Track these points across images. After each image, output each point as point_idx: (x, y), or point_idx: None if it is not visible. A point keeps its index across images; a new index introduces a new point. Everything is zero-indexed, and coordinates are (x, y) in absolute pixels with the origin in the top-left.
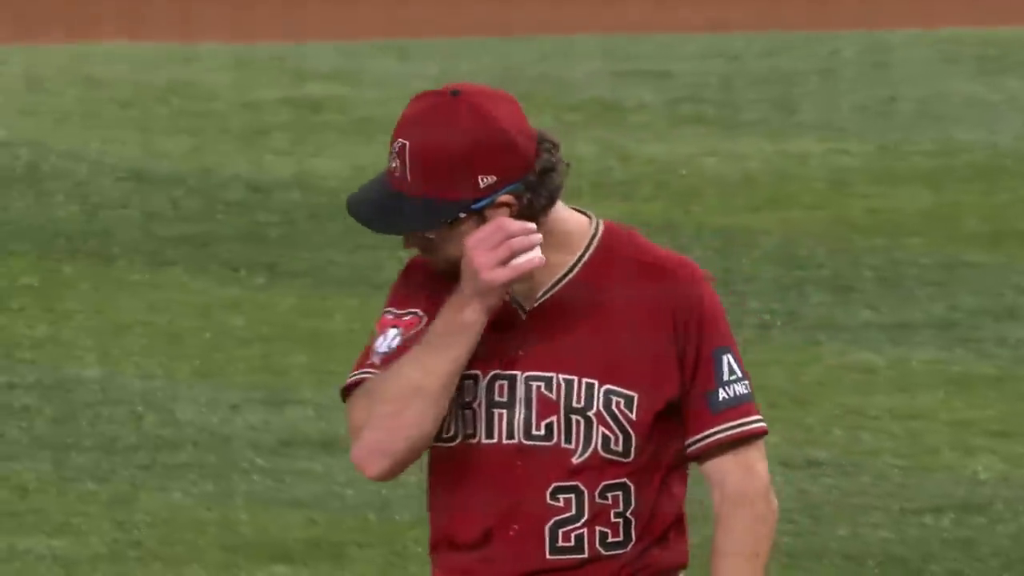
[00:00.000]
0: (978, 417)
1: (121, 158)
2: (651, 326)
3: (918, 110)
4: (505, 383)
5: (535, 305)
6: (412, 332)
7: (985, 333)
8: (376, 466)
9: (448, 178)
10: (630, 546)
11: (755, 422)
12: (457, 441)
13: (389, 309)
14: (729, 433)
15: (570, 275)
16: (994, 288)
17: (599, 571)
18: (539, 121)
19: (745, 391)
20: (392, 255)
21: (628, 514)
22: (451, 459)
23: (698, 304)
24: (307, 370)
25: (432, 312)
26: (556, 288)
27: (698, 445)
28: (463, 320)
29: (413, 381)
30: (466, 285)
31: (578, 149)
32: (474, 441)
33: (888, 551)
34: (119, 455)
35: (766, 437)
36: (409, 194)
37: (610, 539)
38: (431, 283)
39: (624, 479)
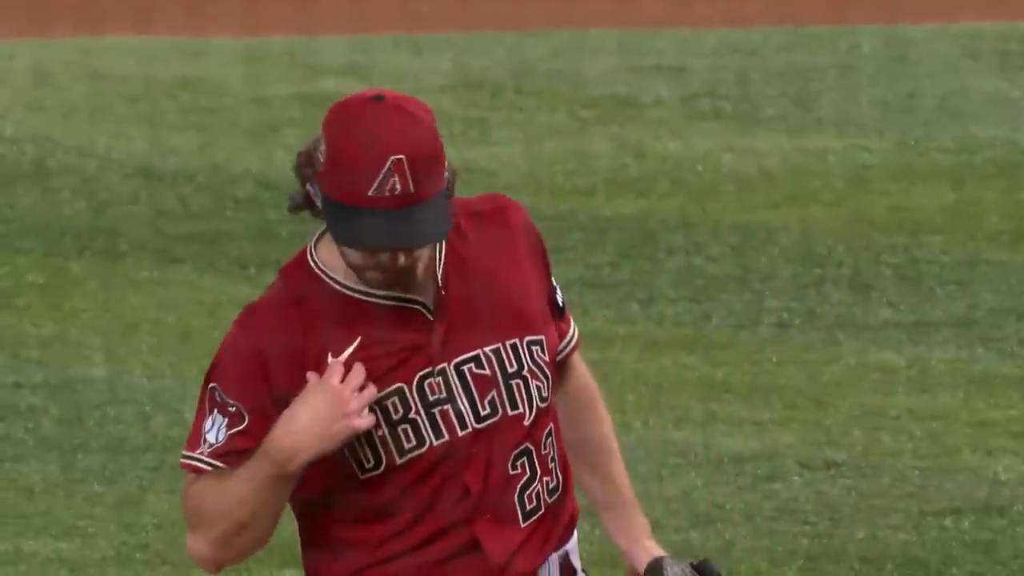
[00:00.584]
0: (999, 418)
1: (129, 154)
2: (529, 263)
3: (938, 106)
4: (436, 380)
5: (439, 299)
6: (237, 430)
7: (1007, 332)
8: (210, 571)
9: (438, 172)
10: (561, 487)
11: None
12: (403, 460)
13: (216, 387)
14: (578, 335)
15: (444, 257)
16: (1016, 287)
17: (555, 535)
18: (553, 118)
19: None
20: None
21: (555, 455)
22: (403, 475)
23: (536, 230)
24: None
25: (258, 407)
26: (440, 275)
27: (564, 352)
28: (290, 472)
29: (239, 519)
30: (316, 425)
31: (593, 146)
32: (424, 450)
33: (907, 553)
34: (127, 456)
35: (784, 439)
36: (428, 199)
37: (551, 485)
38: (261, 371)
39: (550, 423)
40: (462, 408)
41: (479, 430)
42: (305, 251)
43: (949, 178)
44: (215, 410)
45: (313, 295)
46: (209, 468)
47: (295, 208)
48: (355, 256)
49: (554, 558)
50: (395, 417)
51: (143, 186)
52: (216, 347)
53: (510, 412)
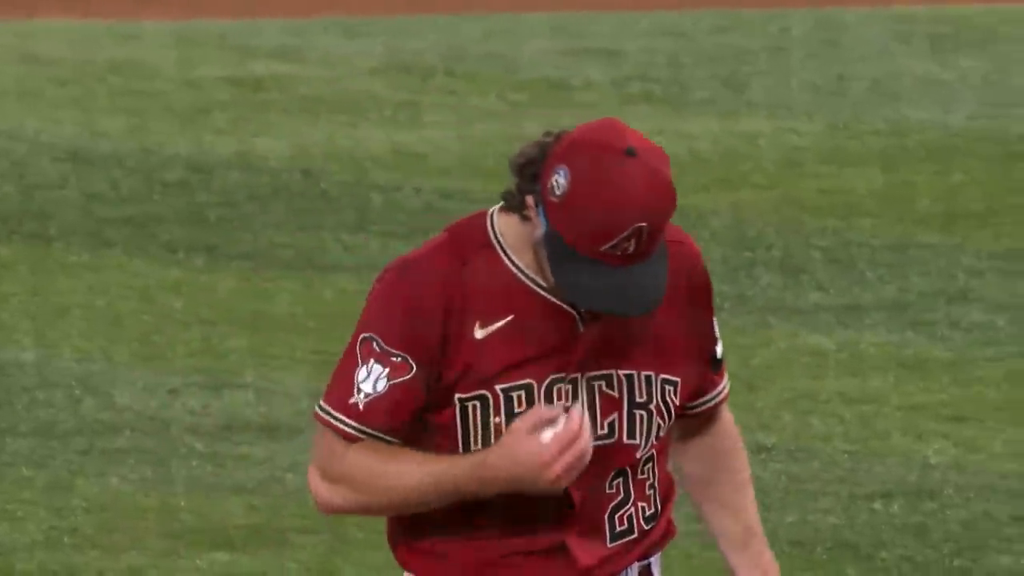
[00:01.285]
0: (930, 401)
1: (60, 137)
2: (687, 305)
3: (870, 89)
4: (566, 387)
5: (596, 313)
6: (400, 380)
7: (937, 316)
8: (323, 510)
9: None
10: (659, 516)
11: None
12: None
13: (374, 336)
14: (728, 388)
15: None
16: (947, 270)
17: (642, 547)
18: (485, 101)
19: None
20: (335, 237)
21: (656, 483)
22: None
23: (707, 276)
24: (248, 353)
25: (426, 358)
26: None
27: (710, 404)
28: (481, 491)
29: (401, 500)
30: (519, 470)
31: (525, 129)
32: None
33: (838, 537)
34: (56, 440)
35: None
36: (653, 263)
37: (647, 512)
38: (440, 322)
39: (653, 451)
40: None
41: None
42: (484, 216)
43: (880, 161)
44: (372, 359)
45: (481, 261)
46: (363, 437)
47: (510, 210)
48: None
49: (634, 565)
50: (517, 410)
51: (73, 170)
52: (146, 331)
53: (626, 440)
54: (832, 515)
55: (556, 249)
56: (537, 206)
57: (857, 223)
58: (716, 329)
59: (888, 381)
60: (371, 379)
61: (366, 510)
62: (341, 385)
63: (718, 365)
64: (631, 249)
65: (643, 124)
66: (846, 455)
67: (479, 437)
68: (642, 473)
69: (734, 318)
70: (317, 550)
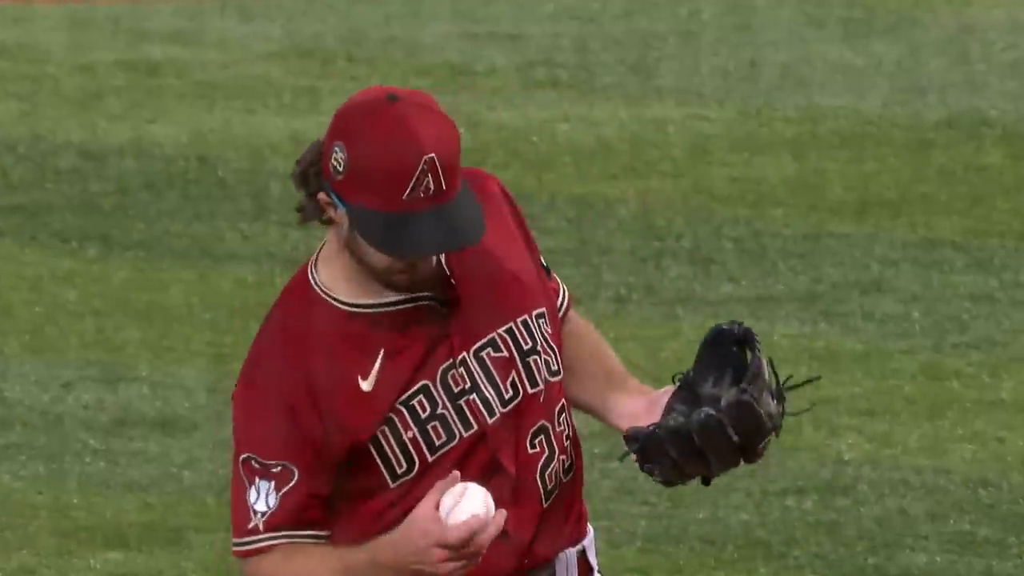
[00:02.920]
0: (843, 395)
1: None
2: (517, 228)
3: (781, 74)
4: (459, 371)
5: (448, 288)
6: (287, 488)
7: (850, 307)
8: None
9: (459, 165)
10: (572, 467)
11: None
12: (435, 456)
13: (251, 455)
14: (567, 291)
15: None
16: (860, 260)
17: (564, 507)
18: (387, 85)
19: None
20: (233, 227)
21: (571, 433)
22: (436, 472)
23: (510, 194)
24: (143, 346)
25: (310, 452)
26: (446, 263)
27: (562, 311)
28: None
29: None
30: (415, 559)
31: None
32: (455, 443)
33: (749, 534)
34: None
35: None
36: (458, 194)
37: (566, 464)
38: (288, 418)
39: (562, 399)
40: (487, 395)
41: (505, 413)
42: (304, 274)
43: (791, 149)
44: (256, 478)
45: (319, 323)
46: (275, 543)
47: (307, 219)
48: (383, 262)
49: (572, 553)
50: (423, 416)
51: None
52: (37, 323)
53: (530, 390)
54: (743, 512)
55: (366, 224)
56: (331, 197)
57: (768, 212)
58: (533, 239)
59: (800, 374)
60: (262, 497)
61: None
62: (238, 515)
63: (548, 272)
64: (432, 187)
65: (548, 110)
66: None
67: (400, 459)
68: (559, 425)
69: (642, 309)
70: (214, 549)
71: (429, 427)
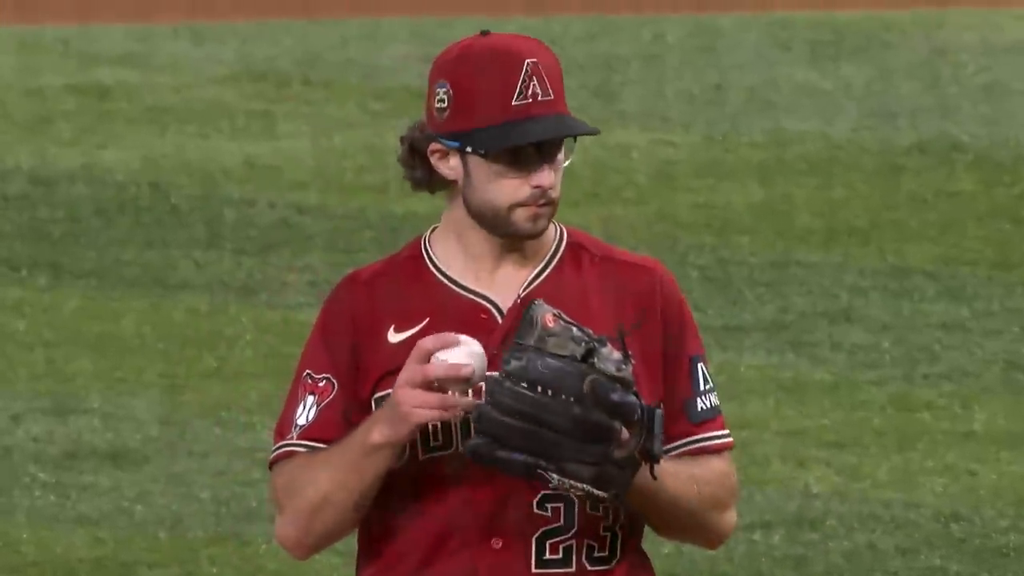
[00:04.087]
0: (811, 427)
1: None
2: (648, 325)
3: (747, 99)
4: (484, 386)
5: (513, 304)
6: (327, 401)
7: (818, 337)
8: (297, 554)
9: (564, 93)
10: (614, 562)
11: (727, 436)
12: (424, 456)
13: (308, 371)
14: (710, 443)
15: (545, 273)
16: (828, 289)
17: None
18: (344, 110)
19: (718, 402)
20: (186, 255)
21: (616, 528)
22: (418, 474)
23: (680, 307)
24: (94, 377)
25: (345, 374)
26: (531, 287)
27: (676, 453)
28: (371, 442)
29: (324, 492)
30: (383, 411)
31: (386, 140)
32: (447, 452)
33: (715, 570)
34: None
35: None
36: (569, 113)
37: (596, 553)
38: (349, 338)
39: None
40: None
41: None
42: (417, 245)
43: (758, 174)
44: (306, 393)
45: (402, 271)
46: (301, 449)
47: (418, 185)
48: (503, 190)
49: None
50: None
51: None
52: None
53: None
54: None
55: (479, 141)
56: (441, 142)
57: (734, 240)
58: (702, 380)
59: (767, 405)
60: (305, 411)
61: (316, 514)
62: (281, 428)
63: (697, 416)
64: (539, 91)
65: None
66: None
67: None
68: (593, 509)
69: None
70: None
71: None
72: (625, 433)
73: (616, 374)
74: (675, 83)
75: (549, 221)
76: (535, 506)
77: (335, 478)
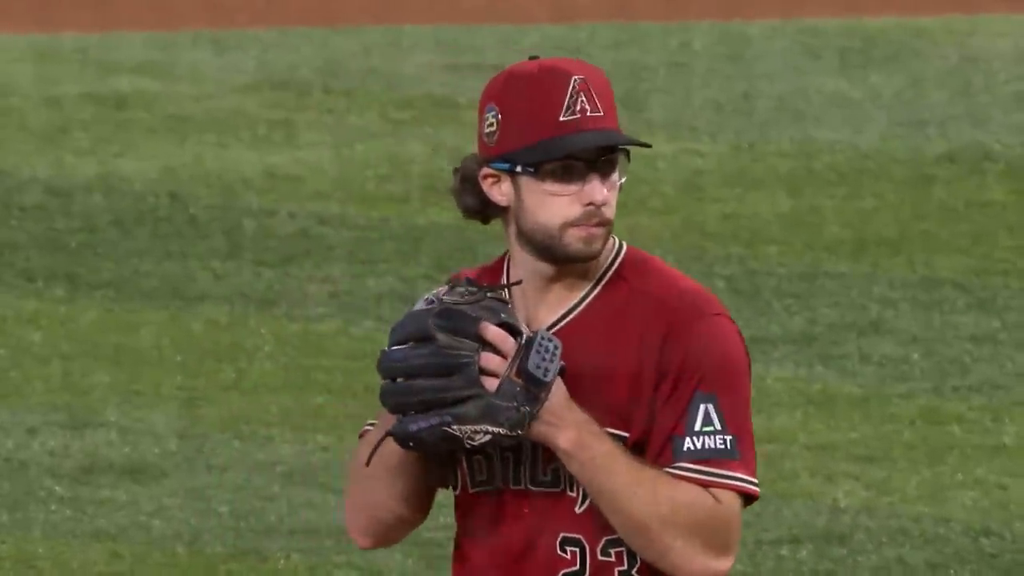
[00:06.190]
0: (839, 440)
1: None
2: (642, 356)
3: (776, 107)
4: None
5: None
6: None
7: (847, 349)
8: (360, 543)
9: (616, 112)
10: None
11: (726, 476)
12: (472, 490)
13: None
14: (695, 476)
15: (581, 306)
16: (857, 300)
17: None
18: (366, 119)
19: (720, 445)
20: (205, 266)
21: (634, 572)
22: (468, 507)
23: (689, 335)
24: (111, 390)
25: None
26: (566, 320)
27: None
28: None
29: (355, 476)
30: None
31: (408, 149)
32: (491, 488)
33: None
34: None
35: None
36: (619, 129)
37: None
38: None
39: (615, 534)
40: (525, 462)
41: (533, 493)
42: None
43: (786, 184)
44: None
45: (489, 278)
46: (368, 428)
47: (471, 214)
48: (552, 209)
49: None
50: (467, 445)
51: None
52: (1, 367)
53: (568, 492)
54: (737, 562)
55: (527, 157)
56: (491, 167)
57: (762, 251)
58: (699, 420)
59: (795, 419)
60: None
61: (356, 507)
62: None
63: (680, 455)
64: (587, 107)
65: None
66: None
67: (453, 466)
68: (604, 554)
69: None
70: None
71: (472, 456)
72: (494, 360)
73: (460, 300)
74: (702, 92)
75: (605, 243)
76: (557, 548)
77: (372, 466)
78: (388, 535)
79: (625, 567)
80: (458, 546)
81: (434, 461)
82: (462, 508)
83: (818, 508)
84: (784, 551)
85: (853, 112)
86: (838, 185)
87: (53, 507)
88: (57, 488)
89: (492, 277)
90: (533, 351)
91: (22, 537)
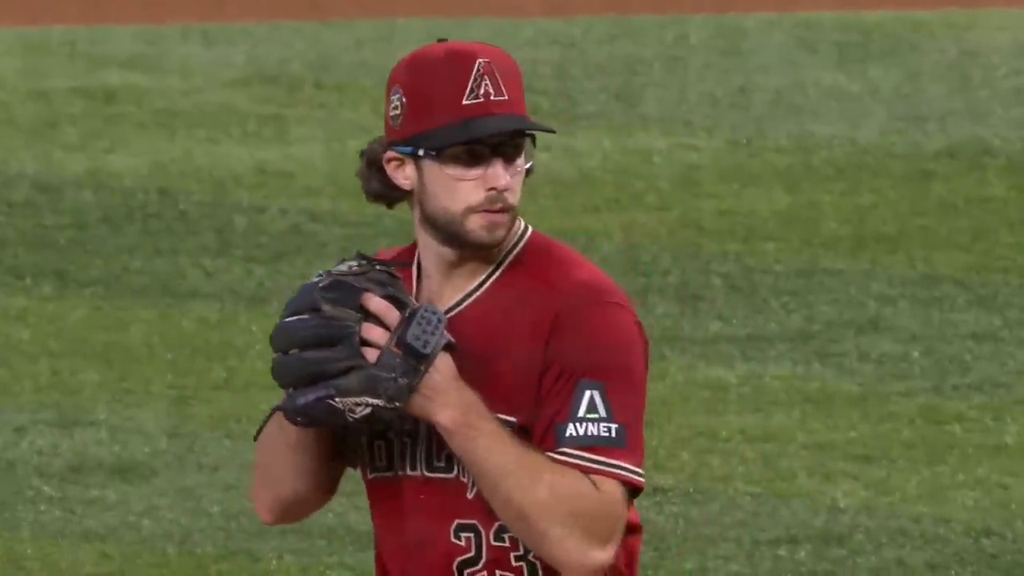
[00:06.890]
0: (838, 439)
1: None
2: (532, 343)
3: (773, 102)
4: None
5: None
6: None
7: (846, 347)
8: (264, 518)
9: (522, 94)
10: None
11: (608, 464)
12: (371, 475)
13: None
14: (575, 462)
15: (479, 291)
16: (855, 298)
17: None
18: (358, 113)
19: (605, 433)
20: (195, 263)
21: (531, 558)
22: (372, 493)
23: (578, 322)
24: (100, 388)
25: None
26: (464, 304)
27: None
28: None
29: (270, 437)
30: None
31: None
32: (390, 474)
33: None
34: None
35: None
36: (524, 113)
37: None
38: None
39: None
40: (420, 448)
41: (429, 478)
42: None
43: (784, 180)
44: None
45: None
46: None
47: (375, 198)
48: (457, 195)
49: None
50: (376, 428)
51: None
52: None
53: (461, 477)
54: (734, 562)
55: (431, 140)
56: (395, 150)
57: (759, 247)
58: (583, 406)
59: (793, 417)
60: None
61: (259, 482)
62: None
63: (563, 441)
64: (491, 90)
65: None
66: (748, 497)
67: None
68: (498, 539)
69: None
70: None
71: (374, 441)
72: (375, 331)
73: (348, 272)
74: (698, 86)
75: (508, 230)
76: (452, 535)
77: (270, 444)
78: (290, 511)
79: (521, 552)
80: (374, 532)
81: (342, 441)
82: (368, 494)
83: (816, 508)
84: (782, 551)
85: (851, 107)
86: (836, 181)
87: (42, 507)
88: (46, 488)
89: (407, 259)
90: (414, 323)
91: (10, 537)
